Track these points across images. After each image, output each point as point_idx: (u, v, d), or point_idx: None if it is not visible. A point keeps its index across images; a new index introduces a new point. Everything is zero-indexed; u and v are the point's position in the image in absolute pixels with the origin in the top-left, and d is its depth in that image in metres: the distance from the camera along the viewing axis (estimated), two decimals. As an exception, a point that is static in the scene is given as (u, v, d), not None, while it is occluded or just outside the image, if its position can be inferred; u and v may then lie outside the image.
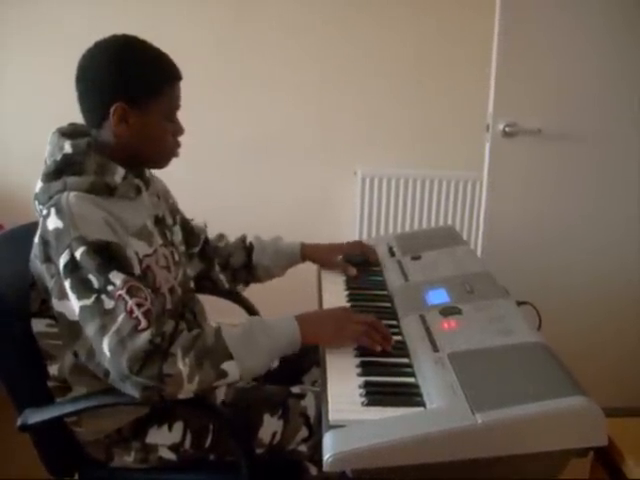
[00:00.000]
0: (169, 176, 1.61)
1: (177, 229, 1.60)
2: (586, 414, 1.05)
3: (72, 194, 1.27)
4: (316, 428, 1.40)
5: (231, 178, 2.86)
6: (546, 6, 2.22)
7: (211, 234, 1.78)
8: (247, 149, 2.83)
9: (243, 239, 1.78)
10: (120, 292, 1.19)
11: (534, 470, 1.12)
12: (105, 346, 1.17)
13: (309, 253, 1.77)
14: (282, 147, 2.85)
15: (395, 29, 2.75)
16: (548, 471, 1.12)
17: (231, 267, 1.75)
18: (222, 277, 1.75)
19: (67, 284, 1.22)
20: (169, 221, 1.55)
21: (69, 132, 1.39)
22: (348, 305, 1.55)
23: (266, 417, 1.42)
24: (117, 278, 1.20)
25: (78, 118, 1.42)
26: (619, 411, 1.31)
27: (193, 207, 1.73)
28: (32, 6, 2.66)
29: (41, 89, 2.75)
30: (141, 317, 1.17)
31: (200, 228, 1.75)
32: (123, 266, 1.23)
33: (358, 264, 1.77)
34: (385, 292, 1.63)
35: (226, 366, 1.21)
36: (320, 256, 1.78)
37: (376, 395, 1.16)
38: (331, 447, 1.02)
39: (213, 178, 2.83)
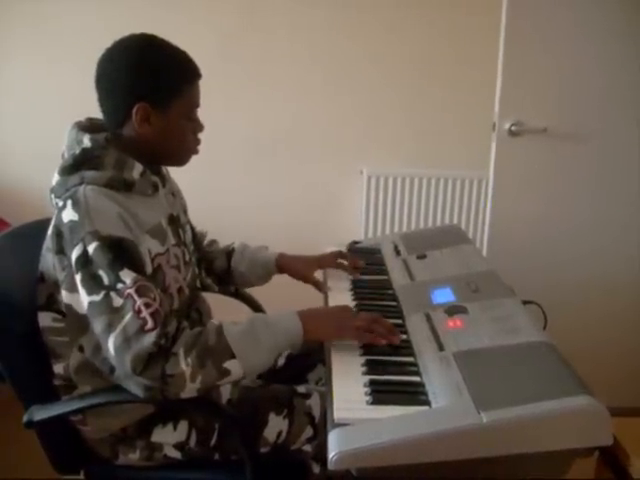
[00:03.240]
0: (175, 176, 1.61)
1: (188, 228, 1.60)
2: (591, 413, 1.05)
3: (89, 187, 1.27)
4: (321, 428, 1.40)
5: (238, 178, 2.87)
6: (551, 6, 2.22)
7: (218, 235, 1.79)
8: (254, 149, 2.83)
9: (229, 245, 1.77)
10: (129, 291, 1.19)
11: (539, 469, 1.12)
12: (111, 344, 1.18)
13: (284, 265, 1.73)
14: (288, 147, 2.85)
15: (400, 29, 2.75)
16: (553, 470, 1.12)
17: (214, 271, 1.75)
18: (209, 281, 1.75)
19: (78, 278, 1.23)
20: (183, 220, 1.55)
21: (87, 127, 1.39)
22: (353, 304, 1.55)
23: (271, 416, 1.42)
24: (127, 276, 1.20)
25: (80, 115, 1.42)
26: (625, 410, 1.31)
27: (200, 207, 1.73)
28: (33, 4, 2.67)
29: (42, 87, 2.76)
30: (148, 318, 1.18)
31: (202, 234, 1.77)
32: (135, 264, 1.23)
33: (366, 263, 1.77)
34: (390, 291, 1.63)
35: (229, 365, 1.21)
36: (295, 269, 1.74)
37: (381, 394, 1.16)
38: (336, 445, 1.02)
39: (220, 178, 2.83)
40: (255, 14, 2.73)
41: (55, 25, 2.69)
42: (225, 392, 1.45)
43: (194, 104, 1.40)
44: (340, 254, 1.78)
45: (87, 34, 2.62)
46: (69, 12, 2.67)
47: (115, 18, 2.62)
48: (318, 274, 1.77)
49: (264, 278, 1.75)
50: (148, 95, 1.32)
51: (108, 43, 1.36)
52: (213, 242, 1.79)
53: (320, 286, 1.71)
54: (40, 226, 1.44)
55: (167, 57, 1.35)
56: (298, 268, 1.73)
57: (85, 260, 1.22)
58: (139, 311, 1.18)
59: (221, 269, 1.74)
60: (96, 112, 1.41)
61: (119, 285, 1.19)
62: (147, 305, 1.19)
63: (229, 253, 1.75)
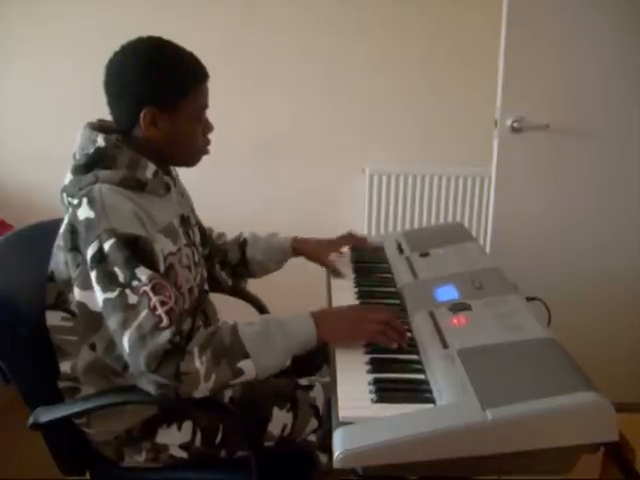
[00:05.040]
0: (179, 174, 1.61)
1: (197, 230, 1.60)
2: (596, 409, 1.04)
3: (104, 186, 1.28)
4: (325, 419, 1.41)
5: (239, 177, 2.87)
6: (553, 2, 2.21)
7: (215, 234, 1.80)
8: (257, 148, 2.83)
9: (239, 236, 1.79)
10: (145, 288, 1.19)
11: (544, 466, 1.11)
12: (125, 341, 1.18)
13: (299, 247, 1.76)
14: (291, 145, 2.85)
15: (402, 27, 2.75)
16: (558, 467, 1.12)
17: (229, 263, 1.76)
18: (223, 274, 1.76)
19: (93, 275, 1.23)
20: (192, 221, 1.56)
21: (99, 127, 1.40)
22: (357, 303, 1.55)
23: (275, 411, 1.42)
24: (143, 274, 1.20)
25: (82, 117, 1.42)
26: (630, 406, 1.30)
27: (202, 205, 1.73)
28: (33, 5, 2.67)
29: (42, 89, 2.76)
30: (163, 315, 1.18)
31: (209, 229, 1.77)
32: (150, 262, 1.23)
33: (366, 262, 1.77)
34: (394, 289, 1.63)
35: (242, 364, 1.21)
36: (310, 250, 1.78)
37: (386, 392, 1.16)
38: (341, 444, 1.02)
39: (223, 177, 2.83)
40: (257, 13, 2.73)
41: (57, 28, 2.69)
42: (227, 390, 1.45)
43: (202, 105, 1.40)
44: (351, 235, 1.86)
45: (88, 35, 2.63)
46: (69, 13, 2.67)
47: (116, 18, 2.62)
48: (321, 274, 1.78)
49: (280, 262, 1.77)
50: (155, 98, 1.32)
51: (109, 43, 1.36)
52: (222, 235, 1.81)
53: (335, 270, 1.73)
54: (44, 228, 1.44)
55: (174, 60, 1.34)
56: (312, 250, 1.78)
57: (101, 257, 1.22)
58: (154, 309, 1.18)
59: (236, 260, 1.76)
60: (100, 114, 1.41)
61: (134, 282, 1.20)
62: (162, 303, 1.19)
63: (242, 244, 1.76)
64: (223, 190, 2.84)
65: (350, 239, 1.86)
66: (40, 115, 2.76)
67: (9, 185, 2.83)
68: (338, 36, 2.75)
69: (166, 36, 1.38)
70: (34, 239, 1.44)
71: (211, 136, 1.47)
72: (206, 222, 1.79)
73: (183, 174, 1.60)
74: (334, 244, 1.82)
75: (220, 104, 2.57)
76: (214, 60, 2.41)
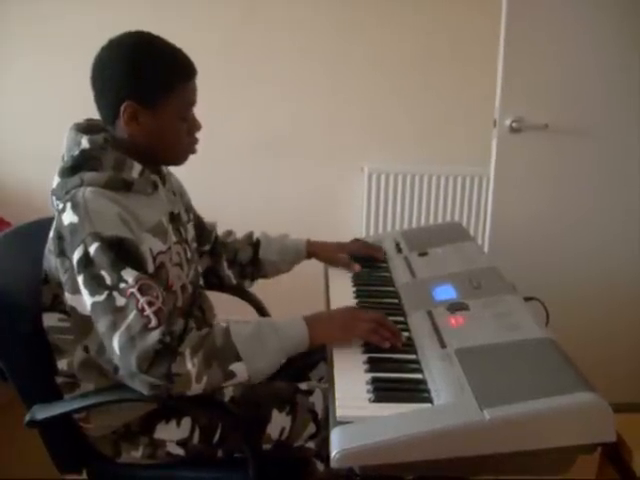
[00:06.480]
0: (179, 173, 1.61)
1: (190, 226, 1.60)
2: (593, 410, 1.04)
3: (88, 189, 1.27)
4: (323, 425, 1.41)
5: (240, 176, 2.87)
6: (552, 2, 2.21)
7: (220, 230, 1.79)
8: (256, 147, 2.84)
9: (250, 235, 1.78)
10: (132, 290, 1.19)
11: (541, 466, 1.12)
12: (115, 343, 1.18)
13: (314, 250, 1.77)
14: (290, 144, 2.86)
15: (401, 27, 2.75)
16: (555, 467, 1.12)
17: (238, 263, 1.75)
18: (229, 273, 1.75)
19: (80, 279, 1.23)
20: (184, 218, 1.55)
21: (85, 128, 1.39)
22: (355, 302, 1.55)
23: (274, 413, 1.42)
24: (130, 275, 1.20)
25: (81, 115, 1.42)
26: (628, 406, 1.31)
27: (202, 204, 1.74)
28: (34, 5, 2.67)
29: (43, 87, 2.77)
30: (152, 316, 1.18)
31: (211, 225, 1.76)
32: (136, 263, 1.23)
33: (364, 260, 1.77)
34: (392, 288, 1.63)
35: (234, 367, 1.21)
36: (325, 254, 1.78)
37: (383, 391, 1.16)
38: (338, 443, 1.02)
39: (222, 176, 2.84)
40: (257, 13, 2.73)
41: (57, 28, 2.70)
42: (228, 390, 1.45)
43: (187, 103, 1.38)
44: (365, 244, 1.85)
45: (87, 34, 2.62)
46: (69, 13, 2.67)
47: (116, 18, 2.60)
48: (319, 273, 1.78)
49: (292, 264, 1.78)
50: (137, 93, 1.31)
51: (108, 43, 1.36)
52: (230, 233, 1.80)
53: (350, 266, 1.74)
54: (42, 225, 1.44)
55: (156, 55, 1.33)
56: (327, 253, 1.78)
57: (87, 261, 1.22)
58: (142, 309, 1.18)
59: (246, 260, 1.75)
60: (96, 112, 1.41)
61: (121, 285, 1.20)
62: (150, 303, 1.19)
63: (255, 244, 1.76)
64: (222, 189, 2.84)
65: (366, 248, 1.83)
66: (40, 115, 2.77)
67: (8, 183, 2.84)
68: (338, 36, 2.75)
69: (166, 36, 1.37)
70: (32, 236, 1.44)
71: (211, 136, 1.46)
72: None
73: (183, 173, 1.60)
74: (346, 248, 1.81)
75: (219, 104, 2.60)
76: (214, 60, 2.43)
